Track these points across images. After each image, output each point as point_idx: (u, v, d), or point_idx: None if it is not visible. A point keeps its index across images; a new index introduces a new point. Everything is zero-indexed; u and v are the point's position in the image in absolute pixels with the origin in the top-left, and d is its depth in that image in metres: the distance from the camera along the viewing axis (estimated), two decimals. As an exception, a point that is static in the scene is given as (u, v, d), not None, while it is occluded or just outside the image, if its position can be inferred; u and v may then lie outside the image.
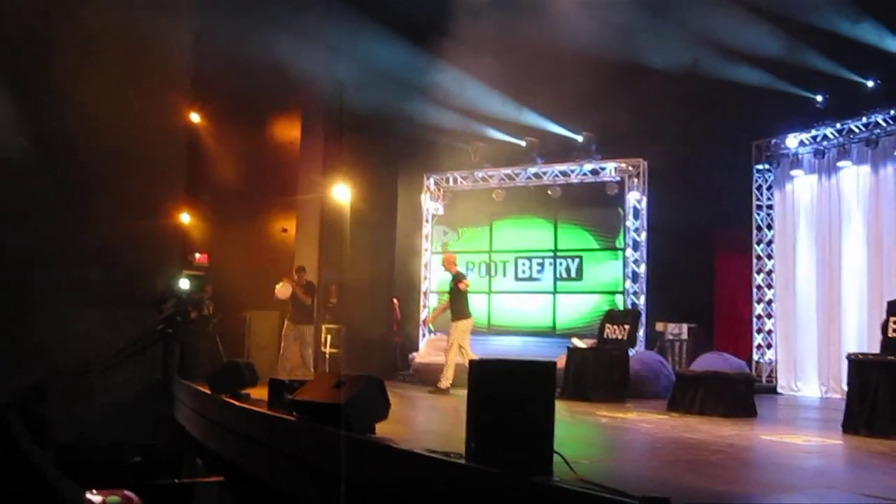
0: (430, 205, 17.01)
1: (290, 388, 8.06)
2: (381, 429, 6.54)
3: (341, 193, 16.80)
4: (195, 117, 17.84)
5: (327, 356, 15.45)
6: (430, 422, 9.56)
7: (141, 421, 14.20)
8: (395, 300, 16.99)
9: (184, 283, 16.36)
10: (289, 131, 17.37)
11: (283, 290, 13.26)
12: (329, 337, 15.58)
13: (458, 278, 12.40)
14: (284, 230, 17.01)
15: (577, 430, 8.03)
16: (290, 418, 7.50)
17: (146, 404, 14.91)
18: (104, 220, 15.89)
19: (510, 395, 4.84)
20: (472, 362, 5.41)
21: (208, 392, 10.54)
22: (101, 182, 16.04)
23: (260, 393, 9.50)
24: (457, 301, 12.27)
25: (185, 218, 17.75)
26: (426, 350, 15.56)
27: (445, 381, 11.98)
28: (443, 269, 12.69)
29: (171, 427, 13.30)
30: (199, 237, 18.01)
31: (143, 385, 15.67)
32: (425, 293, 16.90)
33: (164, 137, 16.93)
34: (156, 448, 12.40)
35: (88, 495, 6.77)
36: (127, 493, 7.35)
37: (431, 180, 17.01)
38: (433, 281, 16.80)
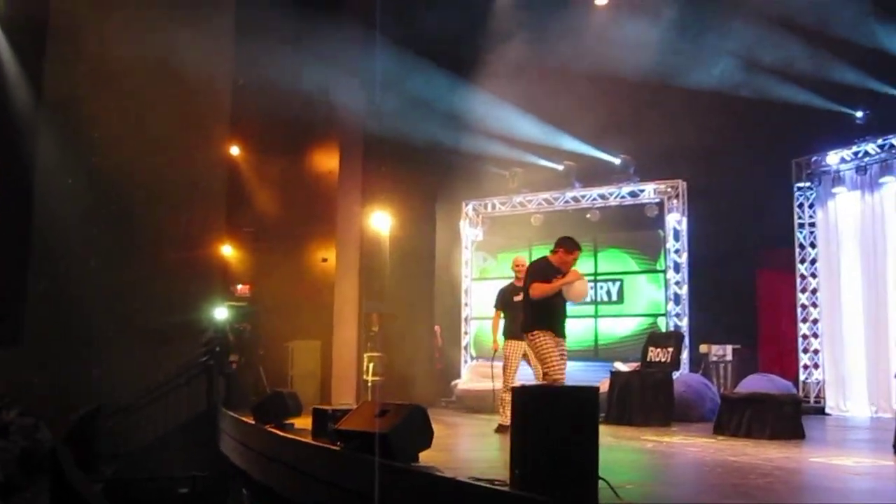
0: (469, 231, 17.01)
1: (334, 417, 8.10)
2: (425, 457, 6.54)
3: (380, 222, 16.90)
4: (235, 150, 18.07)
5: (370, 384, 15.49)
6: (473, 449, 9.53)
7: (187, 452, 14.34)
8: (436, 327, 17.00)
9: (220, 314, 16.52)
10: (327, 161, 17.50)
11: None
12: (371, 365, 15.63)
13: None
14: (325, 260, 17.10)
15: (621, 455, 7.96)
16: (333, 448, 7.52)
17: (191, 436, 15.06)
18: (147, 253, 16.15)
19: (554, 422, 4.82)
20: (514, 389, 5.43)
21: (252, 422, 10.62)
22: (145, 216, 16.32)
23: (304, 423, 9.55)
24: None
25: (226, 250, 17.94)
26: (469, 377, 15.51)
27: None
28: (515, 275, 11.20)
29: (216, 458, 13.40)
30: (241, 269, 18.17)
31: (188, 417, 15.83)
32: (466, 319, 16.86)
33: (205, 170, 17.22)
34: (202, 479, 12.50)
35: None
36: (175, 524, 7.43)
37: (470, 206, 17.02)
38: (473, 307, 16.76)
